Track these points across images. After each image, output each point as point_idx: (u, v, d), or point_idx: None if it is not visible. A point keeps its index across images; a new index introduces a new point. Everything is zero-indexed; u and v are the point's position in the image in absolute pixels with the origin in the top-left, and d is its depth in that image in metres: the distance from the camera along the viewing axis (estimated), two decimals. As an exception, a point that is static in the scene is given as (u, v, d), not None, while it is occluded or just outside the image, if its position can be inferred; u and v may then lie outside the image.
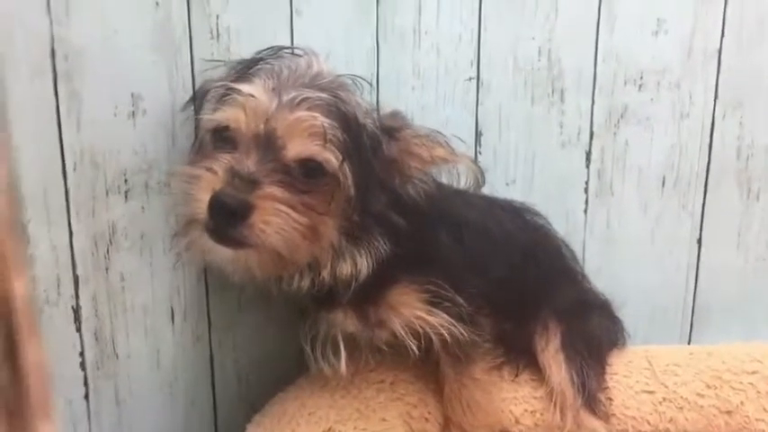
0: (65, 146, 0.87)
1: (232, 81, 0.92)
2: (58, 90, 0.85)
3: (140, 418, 1.02)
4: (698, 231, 1.48)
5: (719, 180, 1.46)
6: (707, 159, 1.45)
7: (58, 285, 0.89)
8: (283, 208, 0.88)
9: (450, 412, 1.16)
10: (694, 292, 1.51)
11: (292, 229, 0.89)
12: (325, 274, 0.98)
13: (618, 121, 1.44)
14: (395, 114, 1.00)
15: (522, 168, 1.47)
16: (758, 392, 1.21)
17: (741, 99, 1.41)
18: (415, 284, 1.05)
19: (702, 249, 1.49)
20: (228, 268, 0.94)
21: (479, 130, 1.45)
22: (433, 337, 1.06)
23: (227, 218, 0.86)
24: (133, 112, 0.94)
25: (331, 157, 0.89)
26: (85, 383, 0.94)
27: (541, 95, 1.43)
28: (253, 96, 0.88)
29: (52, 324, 0.89)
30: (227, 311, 1.13)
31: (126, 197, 0.95)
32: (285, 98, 0.89)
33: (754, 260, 1.49)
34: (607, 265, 1.50)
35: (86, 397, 0.94)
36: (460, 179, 1.08)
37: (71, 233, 0.89)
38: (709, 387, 1.22)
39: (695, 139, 1.44)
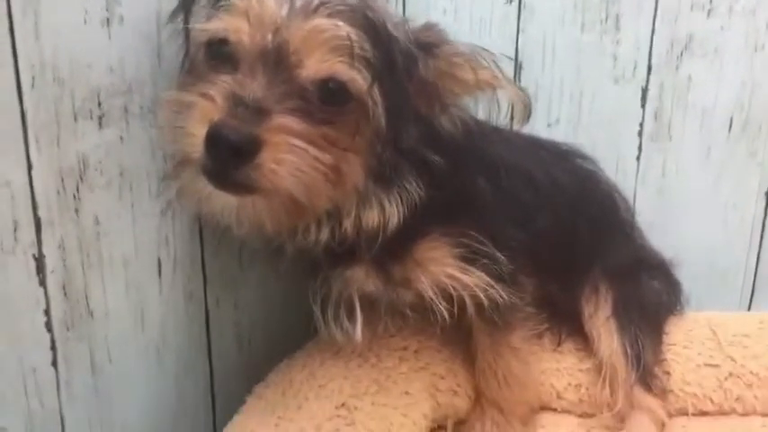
0: (19, 57, 0.70)
1: None
2: (9, -14, 0.67)
3: (122, 388, 0.87)
4: (767, 183, 1.29)
5: (794, 125, 1.27)
6: (782, 99, 1.26)
7: (15, 229, 0.73)
8: (299, 143, 0.71)
9: (484, 385, 1.02)
10: (758, 253, 1.37)
11: (311, 169, 0.73)
12: (348, 224, 0.82)
13: (681, 53, 1.28)
14: (430, 27, 0.82)
15: (568, 107, 1.32)
16: (841, 368, 1.04)
17: (826, 30, 1.22)
18: (447, 237, 0.89)
19: (771, 204, 1.31)
20: (231, 219, 0.77)
21: (519, 61, 1.29)
22: (467, 300, 0.89)
23: (230, 156, 0.69)
24: (107, 19, 0.77)
25: (358, 77, 0.73)
26: (53, 347, 0.79)
27: (593, 22, 1.27)
28: (257, 1, 0.70)
29: (7, 276, 0.73)
30: (225, 265, 0.97)
31: (100, 124, 0.78)
32: (299, 2, 0.71)
33: (828, 218, 1.31)
34: (661, 220, 1.35)
35: (54, 364, 0.79)
36: (500, 111, 0.89)
37: (29, 166, 0.72)
38: (783, 361, 1.06)
39: (770, 75, 1.25)
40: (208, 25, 0.74)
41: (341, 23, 0.71)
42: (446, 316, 0.91)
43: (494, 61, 0.81)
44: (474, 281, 0.89)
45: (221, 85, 0.71)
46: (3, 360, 0.74)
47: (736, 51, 1.25)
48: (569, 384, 1.07)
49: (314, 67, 0.72)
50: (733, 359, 1.08)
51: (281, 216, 0.76)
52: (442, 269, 0.89)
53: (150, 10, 0.81)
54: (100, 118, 0.78)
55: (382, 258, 0.89)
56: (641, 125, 1.30)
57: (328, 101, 0.73)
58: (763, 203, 1.32)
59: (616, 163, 1.32)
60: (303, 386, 0.90)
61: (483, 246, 0.90)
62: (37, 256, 0.75)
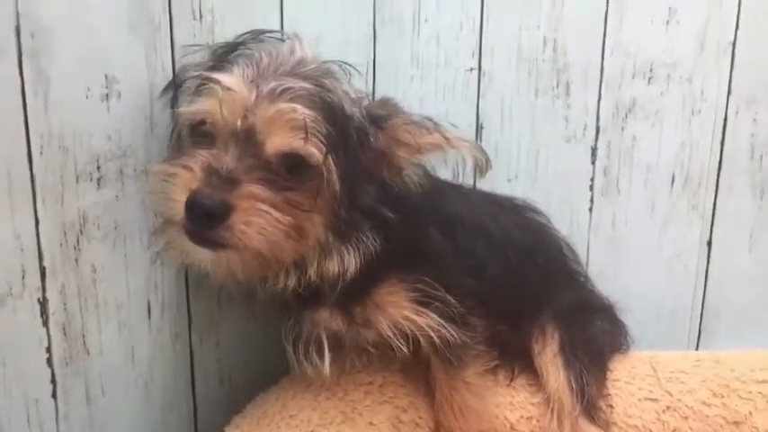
0: (30, 128, 0.82)
1: (209, 70, 0.86)
2: (24, 70, 0.80)
3: (114, 418, 0.97)
4: (708, 233, 1.43)
5: (731, 180, 1.40)
6: (718, 158, 1.39)
7: (23, 276, 0.84)
8: (265, 207, 0.83)
9: (442, 417, 1.11)
10: (703, 297, 1.46)
11: (275, 229, 0.84)
12: (312, 272, 0.93)
13: (625, 116, 1.38)
14: (384, 102, 0.95)
15: (525, 164, 1.42)
16: (768, 402, 1.15)
17: (756, 95, 1.36)
18: (403, 283, 1.00)
19: (712, 252, 1.44)
20: (209, 269, 0.89)
21: (480, 122, 1.40)
22: (422, 339, 1.01)
23: (206, 219, 0.81)
24: (107, 94, 0.89)
25: (314, 151, 0.84)
26: (53, 381, 0.89)
27: (546, 88, 1.38)
28: (230, 89, 0.82)
29: (16, 318, 0.84)
30: (208, 308, 1.08)
31: (98, 184, 0.90)
32: (265, 89, 0.83)
33: (766, 264, 1.42)
34: (612, 267, 1.44)
35: (54, 395, 0.90)
36: (465, 167, 1.01)
37: (37, 221, 0.84)
38: (715, 396, 1.17)
39: (706, 136, 1.38)
40: (190, 108, 0.86)
41: (299, 107, 0.83)
42: (404, 352, 1.01)
43: (440, 128, 0.92)
44: (427, 322, 1.00)
45: (199, 159, 0.83)
46: (9, 392, 0.84)
47: (675, 115, 1.37)
48: (522, 417, 1.17)
49: (276, 143, 0.84)
50: (670, 394, 1.18)
51: (252, 267, 0.88)
52: (398, 311, 1.00)
53: (144, 85, 0.93)
54: (98, 180, 0.90)
55: (346, 301, 1.00)
56: (592, 180, 1.42)
57: (290, 171, 0.85)
58: (705, 252, 1.43)
59: (570, 215, 1.43)
60: (275, 416, 1.00)
61: (436, 290, 1.01)
62: (41, 300, 0.86)
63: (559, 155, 1.41)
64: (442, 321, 1.01)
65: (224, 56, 0.89)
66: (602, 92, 1.37)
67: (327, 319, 1.01)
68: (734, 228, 1.42)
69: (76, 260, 0.89)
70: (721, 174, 1.40)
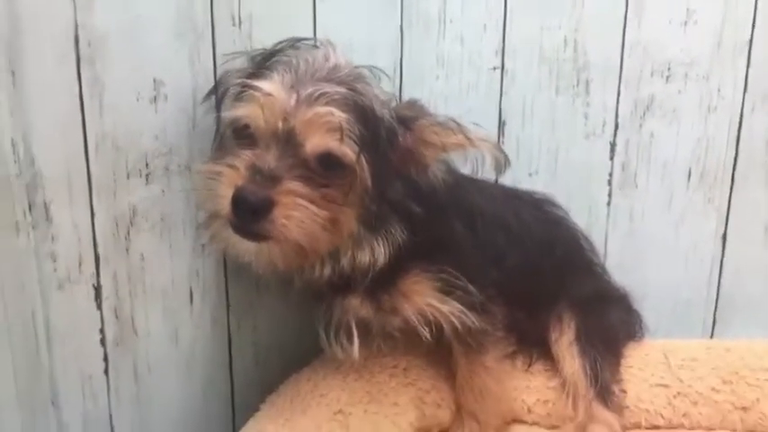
0: (87, 129, 0.89)
1: (249, 77, 0.94)
2: (81, 75, 0.88)
3: (159, 393, 1.05)
4: (723, 227, 1.47)
5: (747, 175, 1.44)
6: (734, 153, 1.43)
7: (80, 264, 0.92)
8: (303, 202, 0.90)
9: (463, 399, 1.18)
10: (718, 288, 1.50)
11: (313, 222, 0.91)
12: (345, 262, 1.00)
13: (644, 114, 1.43)
14: (412, 104, 1.01)
15: (546, 159, 1.47)
16: (775, 390, 1.20)
17: (771, 92, 1.39)
18: (428, 273, 1.07)
19: (727, 245, 1.48)
20: (252, 260, 0.96)
21: (503, 119, 1.46)
22: (445, 325, 1.07)
23: (250, 213, 0.89)
24: (155, 97, 0.97)
25: (348, 151, 0.91)
26: (105, 359, 0.97)
27: (566, 86, 1.44)
28: (270, 95, 0.90)
29: (74, 301, 0.92)
30: (245, 295, 1.16)
31: (147, 180, 0.98)
32: (303, 94, 0.90)
33: (780, 256, 1.47)
34: (629, 259, 1.50)
35: (106, 372, 0.98)
36: (485, 164, 1.07)
37: (93, 214, 0.92)
38: (725, 383, 1.22)
39: (722, 132, 1.43)
40: (233, 113, 0.94)
41: (334, 110, 0.90)
42: (428, 337, 1.08)
43: (463, 128, 0.99)
44: (450, 309, 1.07)
45: (244, 158, 0.90)
46: (66, 368, 0.93)
47: (692, 112, 1.42)
48: (538, 400, 1.24)
49: (314, 144, 0.91)
50: (681, 380, 1.24)
51: (291, 258, 0.95)
52: (423, 299, 1.07)
53: (188, 88, 1.01)
54: (147, 176, 0.98)
55: (374, 290, 1.07)
56: (610, 175, 1.47)
57: (326, 168, 0.92)
58: (720, 245, 1.48)
59: (589, 208, 1.49)
60: (307, 396, 1.08)
61: (458, 280, 1.08)
62: (96, 285, 0.94)
63: (579, 151, 1.46)
64: (463, 309, 1.07)
65: (262, 63, 0.96)
66: (621, 90, 1.43)
67: (357, 307, 1.08)
68: (749, 221, 1.46)
69: (127, 249, 0.97)
70: (737, 169, 1.44)
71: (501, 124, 1.47)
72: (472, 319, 1.08)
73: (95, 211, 0.92)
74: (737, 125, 1.42)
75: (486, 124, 1.46)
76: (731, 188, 1.45)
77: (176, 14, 0.98)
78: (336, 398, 1.08)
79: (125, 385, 1.00)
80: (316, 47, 0.98)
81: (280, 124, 0.90)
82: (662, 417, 1.23)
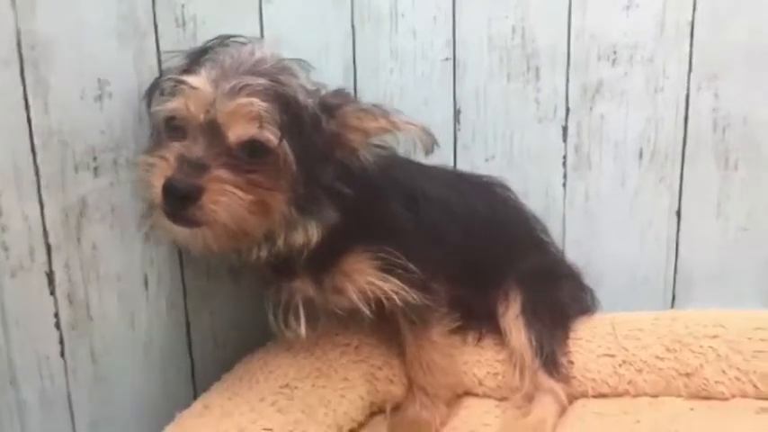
0: (33, 127, 0.96)
1: (181, 73, 1.00)
2: (26, 77, 0.94)
3: (118, 375, 1.12)
4: (677, 203, 1.51)
5: (696, 152, 1.48)
6: (683, 132, 1.47)
7: (31, 253, 0.99)
8: (230, 188, 0.96)
9: (412, 374, 1.24)
10: (675, 264, 1.54)
11: (240, 206, 0.97)
12: (280, 243, 1.06)
13: (593, 97, 1.48)
14: (337, 93, 1.07)
15: (501, 145, 1.53)
16: (718, 356, 1.25)
17: (715, 71, 1.44)
18: (367, 252, 1.13)
19: (682, 221, 1.52)
20: (188, 244, 1.03)
21: (458, 108, 1.52)
22: (385, 302, 1.13)
23: (180, 201, 0.95)
24: (99, 95, 1.03)
25: (270, 137, 0.97)
26: (61, 342, 1.04)
27: (517, 73, 1.49)
28: (195, 88, 0.96)
29: (27, 287, 0.99)
30: (201, 281, 1.22)
31: (95, 173, 1.04)
32: (226, 87, 0.97)
33: (734, 231, 1.51)
34: (587, 238, 1.55)
35: (62, 354, 1.04)
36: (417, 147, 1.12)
37: (42, 205, 0.98)
38: (668, 350, 1.27)
39: (671, 112, 1.47)
40: (163, 107, 1.00)
41: (256, 100, 0.96)
42: (369, 314, 1.14)
43: (387, 113, 1.04)
44: (390, 286, 1.13)
45: (173, 150, 0.97)
46: (23, 349, 0.99)
47: (640, 93, 1.46)
48: (488, 373, 1.29)
49: (236, 133, 0.97)
50: (626, 349, 1.28)
51: (224, 241, 1.01)
52: (363, 278, 1.13)
53: (133, 86, 1.06)
54: (95, 169, 1.05)
55: (318, 271, 1.13)
56: (564, 157, 1.52)
57: (252, 155, 0.98)
58: (675, 221, 1.53)
59: (546, 190, 1.54)
60: (256, 372, 1.14)
61: (398, 259, 1.13)
62: (48, 272, 1.01)
63: (533, 135, 1.52)
64: (403, 286, 1.13)
65: (194, 60, 1.03)
66: (570, 75, 1.48)
67: (303, 288, 1.14)
68: (701, 197, 1.50)
69: (78, 239, 1.04)
70: (686, 147, 1.48)
71: (456, 113, 1.53)
72: (413, 296, 1.14)
73: (45, 203, 0.99)
74: (684, 104, 1.46)
75: (442, 113, 1.53)
76: (682, 166, 1.49)
77: (118, 18, 1.04)
78: (284, 373, 1.14)
79: (82, 366, 1.07)
80: (243, 43, 1.04)
81: (202, 116, 0.96)
82: (608, 385, 1.27)
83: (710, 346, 1.25)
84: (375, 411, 1.26)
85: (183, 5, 1.13)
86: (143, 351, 1.15)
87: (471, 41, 1.48)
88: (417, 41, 1.49)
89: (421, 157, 1.20)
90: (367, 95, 1.48)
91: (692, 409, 1.23)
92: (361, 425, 1.22)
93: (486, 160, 1.54)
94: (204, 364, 1.24)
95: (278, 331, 1.17)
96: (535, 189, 1.53)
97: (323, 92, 1.06)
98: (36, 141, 0.97)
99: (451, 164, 1.54)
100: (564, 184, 1.53)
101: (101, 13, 1.03)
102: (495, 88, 1.50)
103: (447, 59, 1.50)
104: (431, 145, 1.06)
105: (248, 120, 0.96)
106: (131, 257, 1.12)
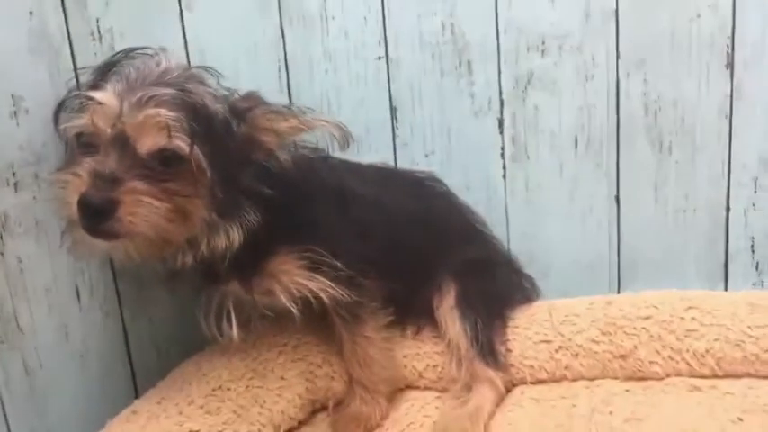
0: (-53, 144, 0.98)
1: (88, 89, 1.02)
2: (-66, 97, 0.96)
3: (54, 387, 1.13)
4: (615, 189, 1.53)
5: (631, 137, 1.50)
6: (615, 118, 1.49)
7: (-47, 269, 1.00)
8: (146, 198, 0.98)
9: (351, 369, 1.26)
10: (618, 249, 1.56)
11: (157, 215, 0.99)
12: (204, 248, 1.07)
13: (525, 88, 1.50)
14: (248, 96, 1.08)
15: (439, 140, 1.55)
16: (651, 336, 1.26)
17: (643, 57, 1.46)
18: (293, 253, 1.14)
19: (621, 206, 1.54)
20: (111, 256, 1.05)
21: (394, 106, 1.53)
22: (314, 301, 1.15)
23: (96, 215, 0.96)
24: (15, 111, 1.05)
25: (180, 144, 0.98)
26: (-10, 356, 1.06)
27: (450, 68, 1.51)
28: (101, 103, 0.98)
29: (-50, 302, 1.00)
30: (136, 289, 1.24)
31: (16, 188, 1.06)
32: (132, 99, 0.98)
33: (673, 213, 1.53)
34: (531, 227, 1.57)
35: (-7, 368, 1.06)
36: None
37: (-39, 221, 1.00)
38: (603, 333, 1.28)
39: (602, 99, 1.49)
40: (71, 123, 1.02)
41: (163, 110, 0.97)
42: (298, 314, 1.16)
43: (299, 112, 1.06)
44: (317, 285, 1.15)
45: (86, 165, 0.98)
46: (-48, 364, 1.01)
47: (571, 82, 1.48)
48: (428, 365, 1.31)
49: (146, 144, 0.98)
50: (563, 335, 1.30)
51: (146, 250, 1.02)
52: (290, 278, 1.14)
53: (50, 100, 1.08)
54: (15, 184, 1.06)
55: (246, 274, 1.15)
56: (502, 149, 1.54)
57: (166, 164, 0.99)
58: (615, 207, 1.54)
59: (487, 182, 1.56)
60: (189, 376, 1.16)
61: (324, 257, 1.15)
62: (-28, 287, 1.03)
63: (470, 128, 1.54)
64: (330, 284, 1.15)
65: (100, 75, 1.04)
66: (501, 67, 1.50)
67: (232, 291, 1.16)
68: (638, 182, 1.52)
69: (2, 253, 1.05)
70: (620, 133, 1.50)
71: (393, 110, 1.54)
72: (341, 293, 1.15)
73: (-37, 219, 1.00)
74: (615, 91, 1.48)
75: (379, 112, 1.55)
76: (617, 152, 1.51)
77: (30, 34, 1.06)
78: (218, 375, 1.15)
79: (16, 380, 1.08)
80: (149, 55, 1.06)
81: (109, 130, 0.97)
82: (545, 371, 1.29)
83: (644, 327, 1.27)
84: (318, 409, 1.28)
85: (97, 19, 1.15)
86: (80, 362, 1.17)
87: (403, 39, 1.50)
88: (350, 42, 1.51)
89: (353, 156, 1.24)
90: (302, 97, 1.50)
91: (627, 390, 1.24)
92: (303, 423, 1.23)
93: (426, 156, 1.56)
94: (146, 372, 1.26)
95: (211, 336, 1.18)
96: (476, 182, 1.55)
97: (234, 97, 1.07)
98: (-49, 159, 0.98)
99: (392, 161, 1.56)
100: (504, 176, 1.55)
101: (11, 29, 1.04)
102: (430, 84, 1.52)
103: (380, 58, 1.51)
104: (346, 140, 1.08)
105: (157, 130, 0.97)
106: (60, 269, 1.13)
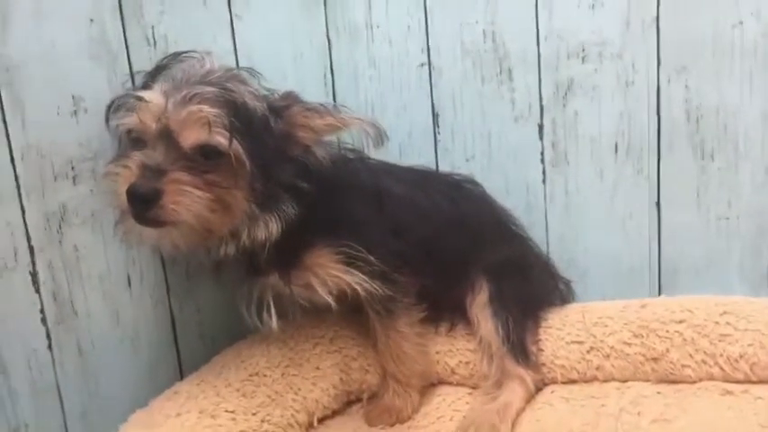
0: (11, 141, 1.07)
1: (138, 89, 1.10)
2: (2, 97, 1.06)
3: (105, 367, 1.21)
4: (656, 195, 1.54)
5: (672, 143, 1.51)
6: (657, 124, 1.50)
7: (15, 254, 1.09)
8: (188, 188, 1.05)
9: (384, 363, 1.30)
10: (659, 255, 1.56)
11: (200, 205, 1.06)
12: (245, 239, 1.14)
13: (566, 94, 1.53)
14: (286, 95, 1.15)
15: (480, 145, 1.59)
16: (684, 340, 1.27)
17: (684, 63, 1.47)
18: (330, 247, 1.20)
19: (662, 212, 1.54)
20: (158, 244, 1.12)
21: (436, 112, 1.58)
22: (348, 294, 1.20)
23: (143, 204, 1.04)
24: (75, 111, 1.14)
25: (221, 139, 1.05)
26: (48, 336, 1.14)
27: (491, 75, 1.55)
28: (146, 101, 1.06)
29: (12, 286, 1.09)
30: (184, 280, 1.31)
31: (74, 182, 1.15)
32: (177, 97, 1.05)
33: (715, 220, 1.53)
34: (570, 232, 1.59)
35: (50, 347, 1.14)
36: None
37: (23, 211, 1.09)
38: (636, 336, 1.29)
39: (642, 105, 1.50)
40: (122, 121, 1.10)
41: (205, 107, 1.04)
42: (335, 306, 1.21)
43: (335, 110, 1.13)
44: (353, 279, 1.20)
45: (135, 159, 1.06)
46: (11, 343, 1.10)
47: (611, 88, 1.50)
48: (460, 362, 1.35)
49: (189, 138, 1.05)
50: (595, 336, 1.31)
51: (190, 238, 1.09)
52: (326, 271, 1.20)
53: (107, 101, 1.17)
54: (74, 178, 1.15)
55: (285, 267, 1.21)
56: (542, 154, 1.57)
57: (207, 157, 1.06)
58: (656, 212, 1.55)
59: (527, 187, 1.59)
60: (229, 362, 1.22)
61: (359, 252, 1.20)
62: (32, 272, 1.11)
63: (510, 134, 1.57)
64: (365, 278, 1.20)
65: (151, 77, 1.12)
66: (542, 74, 1.53)
67: (272, 283, 1.22)
68: (680, 188, 1.52)
69: (60, 241, 1.14)
70: (661, 139, 1.51)
71: (435, 116, 1.59)
72: (375, 287, 1.20)
73: (26, 209, 1.09)
74: (656, 97, 1.49)
75: (421, 117, 1.60)
76: (658, 157, 1.52)
77: (89, 40, 1.15)
78: (255, 363, 1.21)
79: (70, 359, 1.17)
80: (195, 58, 1.13)
81: (154, 126, 1.05)
82: (576, 371, 1.31)
83: (677, 331, 1.27)
84: (352, 400, 1.33)
85: (153, 26, 1.23)
86: (130, 346, 1.25)
87: (445, 47, 1.55)
88: (393, 49, 1.56)
89: (395, 159, 1.30)
90: (348, 102, 1.56)
91: (658, 393, 1.24)
92: (336, 412, 1.28)
93: (467, 160, 1.60)
94: (192, 358, 1.33)
95: (252, 325, 1.24)
96: (516, 186, 1.58)
97: (274, 96, 1.14)
98: (15, 154, 1.09)
99: (433, 165, 1.60)
100: (543, 181, 1.58)
101: (72, 36, 1.14)
102: (471, 91, 1.56)
103: (422, 65, 1.56)
104: (380, 138, 1.13)
105: (199, 126, 1.04)
106: (113, 258, 1.22)
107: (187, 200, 1.04)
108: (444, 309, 1.36)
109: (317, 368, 1.26)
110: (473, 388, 1.33)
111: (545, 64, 1.52)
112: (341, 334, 1.33)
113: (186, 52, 1.14)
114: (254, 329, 1.27)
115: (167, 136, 1.05)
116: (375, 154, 1.29)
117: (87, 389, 1.20)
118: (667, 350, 1.27)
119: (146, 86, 1.10)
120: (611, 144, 1.53)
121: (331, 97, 1.56)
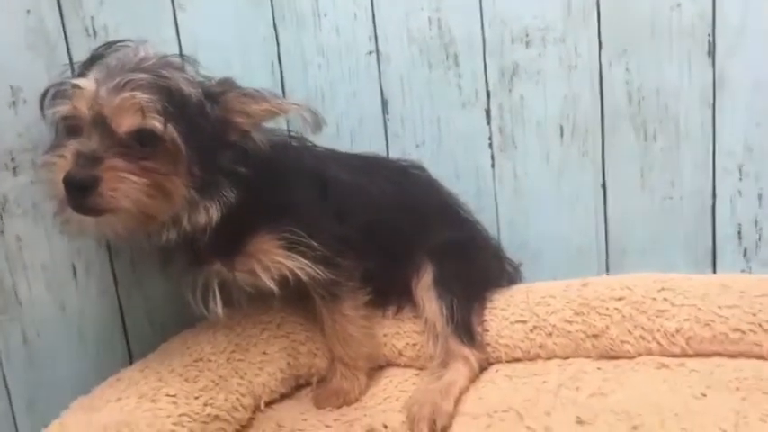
0: (-51, 131, 1.08)
1: (74, 77, 1.11)
2: (-61, 88, 1.06)
3: (52, 356, 1.22)
4: (601, 177, 1.57)
5: (615, 126, 1.54)
6: (600, 107, 1.53)
7: (-45, 244, 1.10)
8: (125, 175, 1.05)
9: (331, 346, 1.32)
10: (606, 236, 1.60)
11: (137, 190, 1.06)
12: (186, 224, 1.14)
13: (511, 79, 1.55)
14: (222, 81, 1.15)
15: (429, 131, 1.61)
16: (623, 316, 1.30)
17: (624, 46, 1.50)
18: (272, 233, 1.22)
19: (608, 193, 1.57)
20: (99, 232, 1.13)
21: (385, 98, 1.60)
22: (291, 279, 1.22)
23: (80, 192, 1.04)
24: (14, 101, 1.15)
25: (156, 124, 1.06)
26: (-9, 326, 1.15)
27: (437, 62, 1.57)
28: (80, 88, 1.06)
29: (-48, 276, 1.10)
30: (131, 269, 1.32)
31: (14, 173, 1.16)
32: (110, 84, 1.06)
33: (660, 200, 1.56)
34: (520, 215, 1.62)
35: (-7, 338, 1.16)
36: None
37: (-37, 202, 1.10)
38: (576, 314, 1.32)
39: (585, 88, 1.53)
40: (57, 109, 1.10)
41: (138, 93, 1.05)
42: (278, 292, 1.23)
43: (272, 96, 1.13)
44: (295, 264, 1.22)
45: (70, 147, 1.06)
46: (-45, 333, 1.11)
47: (555, 72, 1.53)
48: (407, 344, 1.37)
49: (124, 124, 1.06)
50: (537, 315, 1.34)
51: (130, 225, 1.10)
52: (269, 257, 1.21)
53: (45, 91, 1.18)
54: (14, 169, 1.16)
55: (228, 254, 1.22)
56: (490, 139, 1.59)
57: (144, 143, 1.07)
58: (601, 194, 1.58)
59: (476, 172, 1.61)
60: (174, 348, 1.23)
61: (301, 237, 1.22)
62: (-27, 262, 1.13)
63: (458, 119, 1.60)
64: (308, 263, 1.22)
65: (86, 66, 1.13)
66: (487, 59, 1.55)
67: (216, 270, 1.23)
68: (624, 169, 1.55)
69: (2, 231, 1.15)
70: (605, 121, 1.54)
71: (384, 103, 1.61)
72: (317, 272, 1.22)
73: (-35, 200, 1.10)
74: (599, 80, 1.52)
75: (371, 104, 1.62)
76: (602, 139, 1.55)
77: (26, 31, 1.16)
78: (200, 348, 1.23)
79: (15, 349, 1.17)
80: (129, 46, 1.14)
81: (88, 112, 1.06)
82: (520, 350, 1.33)
83: (616, 308, 1.30)
84: (302, 384, 1.34)
85: (92, 17, 1.24)
86: (77, 334, 1.26)
87: (392, 35, 1.57)
88: (341, 38, 1.58)
89: (346, 147, 1.32)
90: (297, 91, 1.58)
91: (598, 369, 1.27)
92: (285, 396, 1.30)
93: (417, 146, 1.62)
94: (141, 347, 1.34)
95: (199, 313, 1.25)
96: (465, 171, 1.61)
97: (208, 83, 1.15)
98: (-46, 145, 1.08)
99: (384, 152, 1.62)
100: (492, 165, 1.60)
101: (10, 26, 1.14)
102: (419, 77, 1.58)
103: (370, 53, 1.58)
104: (318, 123, 1.15)
105: (132, 111, 1.05)
106: (57, 249, 1.22)
107: (125, 186, 1.05)
108: (392, 292, 1.38)
109: (264, 353, 1.28)
110: (420, 369, 1.35)
111: (490, 49, 1.54)
112: (289, 319, 1.35)
113: (121, 41, 1.15)
114: (201, 317, 1.28)
115: (102, 123, 1.06)
116: (326, 141, 1.31)
117: (34, 378, 1.21)
118: (607, 327, 1.30)
119: (81, 75, 1.10)
120: (557, 127, 1.56)
121: (279, 86, 1.57)
